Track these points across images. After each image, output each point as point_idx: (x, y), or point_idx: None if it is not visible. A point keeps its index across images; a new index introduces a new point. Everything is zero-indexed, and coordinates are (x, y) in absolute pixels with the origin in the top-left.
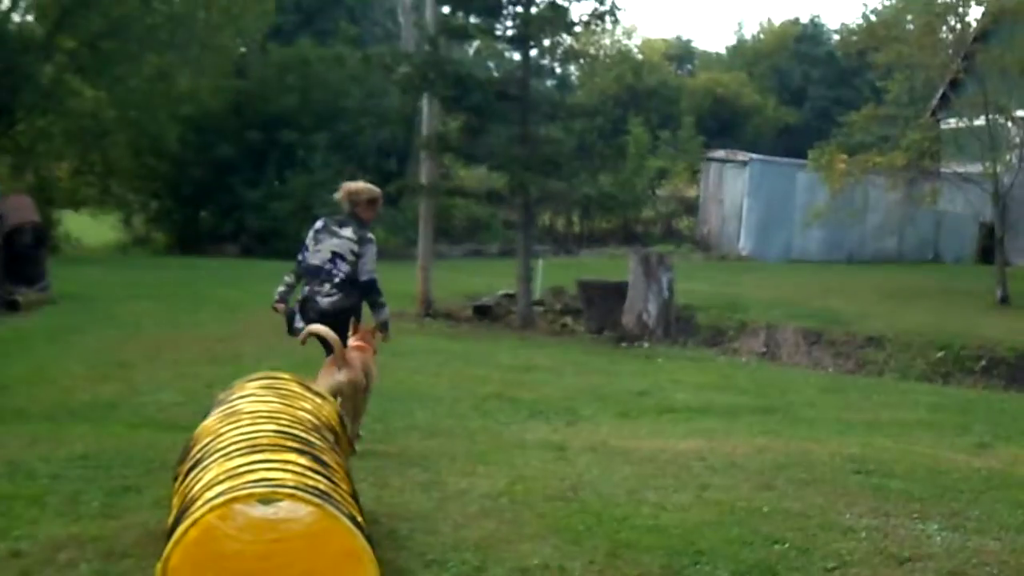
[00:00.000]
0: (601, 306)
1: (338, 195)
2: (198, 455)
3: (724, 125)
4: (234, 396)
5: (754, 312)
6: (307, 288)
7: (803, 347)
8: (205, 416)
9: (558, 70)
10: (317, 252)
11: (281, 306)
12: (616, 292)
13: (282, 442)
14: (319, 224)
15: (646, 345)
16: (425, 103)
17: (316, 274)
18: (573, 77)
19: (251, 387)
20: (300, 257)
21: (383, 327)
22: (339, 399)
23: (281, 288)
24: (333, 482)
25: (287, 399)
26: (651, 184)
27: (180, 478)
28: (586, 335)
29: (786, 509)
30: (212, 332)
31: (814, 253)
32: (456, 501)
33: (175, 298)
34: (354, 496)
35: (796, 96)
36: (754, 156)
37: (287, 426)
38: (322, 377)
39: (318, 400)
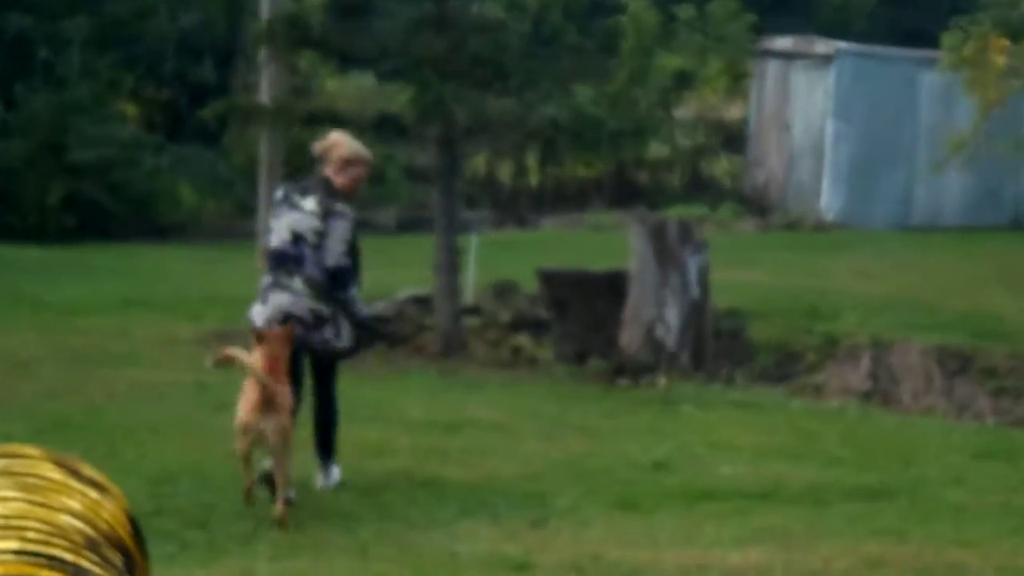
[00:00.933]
0: (582, 315)
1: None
2: None
3: None
4: None
5: (850, 320)
6: (270, 277)
7: (938, 380)
8: None
9: None
10: (276, 231)
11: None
12: (607, 290)
13: (32, 571)
14: (279, 193)
15: (662, 381)
16: None
17: (280, 261)
18: None
19: None
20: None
21: (365, 325)
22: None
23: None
24: None
25: (37, 494)
26: (664, 100)
27: None
28: (557, 366)
29: None
30: None
31: (952, 214)
32: None
33: None
34: None
35: None
36: (843, 45)
37: (40, 543)
38: (237, 420)
39: (93, 494)
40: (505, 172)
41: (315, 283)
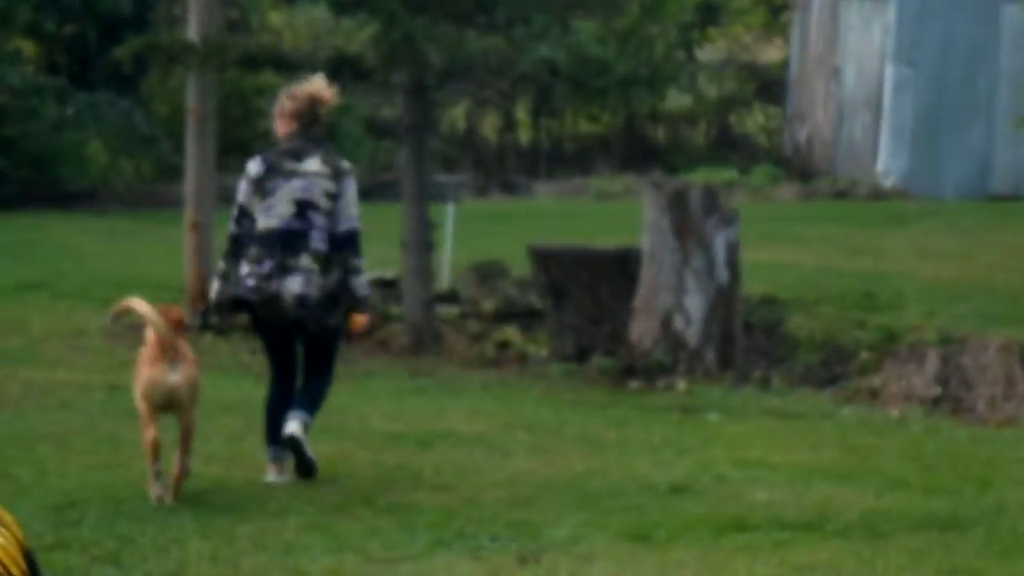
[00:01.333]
0: (584, 303)
1: (287, 104)
2: None
3: None
4: None
5: (914, 311)
6: (263, 266)
7: (1022, 384)
8: None
9: None
10: (270, 208)
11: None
12: (615, 272)
13: None
14: (257, 167)
15: (682, 385)
16: None
17: (285, 242)
18: None
19: None
20: (235, 229)
21: (361, 305)
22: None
23: (215, 285)
24: None
25: None
26: (685, 39)
27: None
28: (552, 365)
29: None
30: None
31: None
32: None
33: None
34: None
35: None
36: None
37: None
38: (142, 378)
39: None
40: (490, 127)
41: (322, 256)
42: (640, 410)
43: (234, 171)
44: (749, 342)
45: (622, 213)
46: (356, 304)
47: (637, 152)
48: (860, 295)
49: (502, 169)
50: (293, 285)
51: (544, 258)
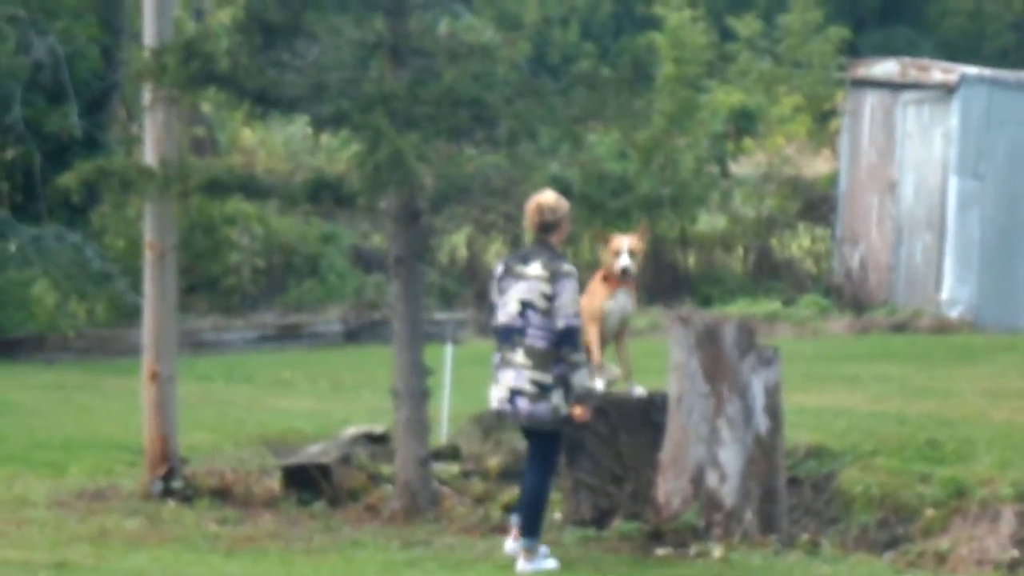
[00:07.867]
0: (602, 458)
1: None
2: None
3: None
4: None
5: (985, 463)
6: (498, 355)
7: None
8: None
9: None
10: (504, 306)
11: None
12: (638, 421)
13: None
14: (499, 268)
15: (717, 551)
16: None
17: (506, 336)
18: None
19: None
20: (493, 321)
21: (581, 398)
22: None
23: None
24: None
25: None
26: (718, 151)
27: None
28: (567, 530)
29: None
30: None
31: None
32: None
33: None
34: None
35: None
36: (971, 71)
37: None
38: None
39: None
40: (495, 256)
41: (536, 352)
42: None
43: (195, 311)
44: (794, 500)
45: (646, 353)
46: (576, 398)
47: (664, 282)
48: (923, 444)
49: None
50: (507, 378)
51: None
